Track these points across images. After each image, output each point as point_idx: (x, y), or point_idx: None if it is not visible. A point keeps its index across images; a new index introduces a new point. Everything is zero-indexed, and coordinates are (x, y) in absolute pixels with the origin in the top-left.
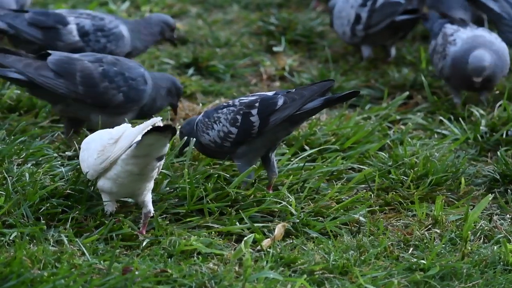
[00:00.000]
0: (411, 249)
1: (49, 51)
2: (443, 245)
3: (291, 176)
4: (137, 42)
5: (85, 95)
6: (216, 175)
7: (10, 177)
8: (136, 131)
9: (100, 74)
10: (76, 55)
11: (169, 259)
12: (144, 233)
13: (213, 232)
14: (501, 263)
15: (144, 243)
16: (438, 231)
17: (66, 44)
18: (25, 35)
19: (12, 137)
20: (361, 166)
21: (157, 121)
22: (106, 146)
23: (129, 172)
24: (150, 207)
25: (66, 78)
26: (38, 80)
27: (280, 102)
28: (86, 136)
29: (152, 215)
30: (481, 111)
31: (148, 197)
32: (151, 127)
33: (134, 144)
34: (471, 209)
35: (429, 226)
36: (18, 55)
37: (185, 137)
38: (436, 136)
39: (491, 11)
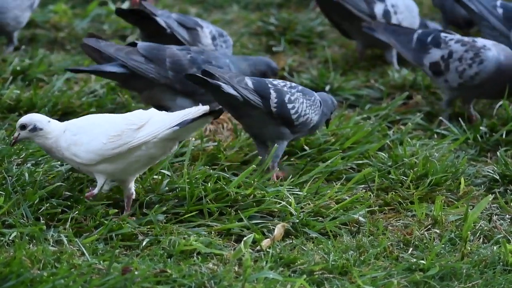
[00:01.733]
0: (411, 249)
1: (135, 41)
2: (443, 245)
3: (291, 176)
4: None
5: (174, 81)
6: (216, 175)
7: (10, 177)
8: (172, 117)
9: (188, 61)
10: (164, 45)
11: (169, 259)
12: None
13: (212, 232)
14: (501, 263)
15: (144, 243)
16: (438, 231)
17: (204, 46)
18: (176, 35)
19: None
20: (361, 167)
21: (203, 109)
22: (125, 131)
23: (150, 155)
24: (133, 189)
25: (156, 63)
26: (129, 63)
27: None
28: None
29: (134, 196)
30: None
31: (133, 180)
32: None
33: (174, 127)
34: (470, 209)
35: (429, 226)
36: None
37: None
38: (436, 136)
39: (473, 12)
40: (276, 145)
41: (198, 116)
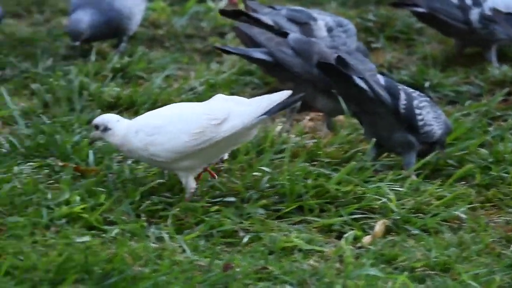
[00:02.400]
0: None
1: (287, 31)
2: None
3: (391, 172)
4: None
5: (317, 78)
6: (316, 171)
7: (111, 175)
8: (255, 106)
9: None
10: (313, 39)
11: (270, 255)
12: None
13: (313, 229)
14: None
15: (245, 240)
16: None
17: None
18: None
19: None
20: (461, 163)
21: (286, 94)
22: (208, 127)
23: (232, 144)
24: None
25: (303, 58)
26: (277, 54)
27: None
28: None
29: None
30: None
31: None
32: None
33: (262, 117)
34: None
35: None
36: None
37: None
38: None
39: None
40: (406, 153)
41: (283, 103)
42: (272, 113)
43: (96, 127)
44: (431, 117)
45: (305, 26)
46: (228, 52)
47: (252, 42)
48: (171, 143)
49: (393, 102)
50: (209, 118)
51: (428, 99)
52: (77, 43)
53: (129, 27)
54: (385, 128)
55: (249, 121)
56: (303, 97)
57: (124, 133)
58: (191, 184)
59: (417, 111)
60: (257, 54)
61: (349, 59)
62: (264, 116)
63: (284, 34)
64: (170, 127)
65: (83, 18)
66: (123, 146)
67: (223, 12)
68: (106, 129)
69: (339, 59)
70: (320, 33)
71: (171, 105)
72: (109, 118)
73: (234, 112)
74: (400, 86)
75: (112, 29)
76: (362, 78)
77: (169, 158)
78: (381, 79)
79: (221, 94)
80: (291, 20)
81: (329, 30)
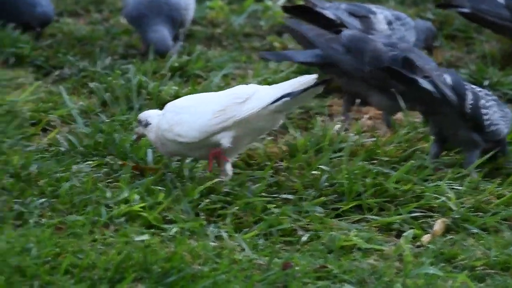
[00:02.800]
0: None
1: (341, 28)
2: None
3: (451, 171)
4: None
5: (369, 76)
6: (375, 170)
7: (170, 173)
8: (280, 89)
9: (390, 58)
10: (371, 36)
11: (329, 254)
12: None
13: (372, 228)
14: None
15: (304, 239)
16: None
17: (378, 33)
18: (347, 26)
19: None
20: None
21: (312, 78)
22: (230, 105)
23: (258, 128)
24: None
25: (355, 55)
26: (326, 51)
27: None
28: None
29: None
30: None
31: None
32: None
33: (285, 99)
34: None
35: None
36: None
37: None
38: None
39: None
40: (468, 152)
41: (308, 86)
42: (294, 95)
43: (139, 122)
44: (497, 116)
45: (365, 19)
46: (269, 59)
47: (303, 38)
48: (196, 122)
49: (459, 102)
50: (232, 97)
51: (495, 97)
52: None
53: (187, 19)
54: (450, 126)
55: (270, 101)
56: (357, 94)
57: (157, 121)
58: (228, 171)
59: (483, 111)
60: (301, 57)
61: (416, 58)
62: (287, 99)
63: (338, 31)
64: (196, 107)
65: (164, 33)
66: (157, 139)
67: (285, 9)
68: (147, 124)
69: (406, 60)
70: (380, 26)
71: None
72: (151, 113)
73: (257, 93)
74: (467, 85)
75: (176, 25)
76: (427, 79)
77: (192, 137)
78: (448, 77)
79: (254, 84)
80: (351, 14)
81: (388, 23)
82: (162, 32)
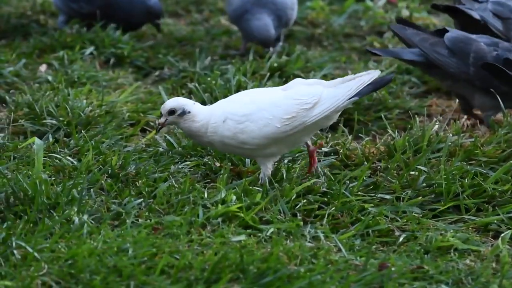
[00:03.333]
0: None
1: (447, 28)
2: None
3: None
4: None
5: (474, 77)
6: (473, 171)
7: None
8: (344, 89)
9: (493, 58)
10: (473, 36)
11: (426, 255)
12: None
13: (469, 228)
14: None
15: (400, 239)
16: None
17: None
18: (490, 27)
19: None
20: None
21: (376, 74)
22: (300, 112)
23: (317, 127)
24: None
25: (459, 57)
26: (431, 55)
27: None
28: None
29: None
30: None
31: None
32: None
33: (353, 98)
34: None
35: None
36: (416, 29)
37: None
38: None
39: None
40: None
41: (377, 85)
42: (362, 94)
43: (172, 112)
44: None
45: (507, 21)
46: (379, 55)
47: (408, 42)
48: (263, 130)
49: None
50: (300, 102)
51: None
52: (270, 49)
53: (292, 18)
54: None
55: (339, 104)
56: (461, 93)
57: (206, 120)
58: (269, 171)
59: None
60: (408, 55)
61: None
62: (355, 98)
63: (441, 33)
64: (260, 114)
65: (268, 21)
66: (199, 131)
67: (434, 6)
68: (184, 112)
69: (507, 61)
70: None
71: (247, 91)
72: (185, 102)
73: (324, 95)
74: None
75: (280, 25)
76: None
77: (259, 145)
78: None
79: (299, 78)
80: (496, 15)
81: None
82: (265, 21)
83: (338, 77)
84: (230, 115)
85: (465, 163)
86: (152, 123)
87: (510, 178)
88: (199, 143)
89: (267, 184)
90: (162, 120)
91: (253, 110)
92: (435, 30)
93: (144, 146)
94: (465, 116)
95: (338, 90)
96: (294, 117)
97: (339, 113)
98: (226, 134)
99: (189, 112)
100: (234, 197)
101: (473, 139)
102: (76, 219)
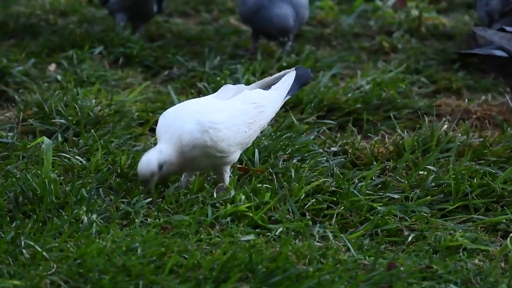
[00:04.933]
0: None
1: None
2: None
3: None
4: None
5: None
6: (482, 170)
7: (276, 173)
8: (279, 90)
9: None
10: None
11: (434, 255)
12: None
13: (478, 228)
14: None
15: (410, 239)
16: None
17: None
18: None
19: (278, 133)
20: None
21: (294, 74)
22: (257, 115)
23: (261, 129)
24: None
25: None
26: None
27: None
28: None
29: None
30: None
31: None
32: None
33: (286, 97)
34: None
35: None
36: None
37: None
38: None
39: None
40: None
41: (302, 82)
42: (292, 92)
43: (152, 175)
44: None
45: None
46: (471, 55)
47: (476, 44)
48: (237, 136)
49: None
50: (257, 106)
51: None
52: (286, 39)
53: (306, 17)
54: None
55: (280, 104)
56: None
57: (172, 150)
58: (228, 178)
59: None
60: (498, 52)
61: None
62: (288, 97)
63: None
64: (232, 121)
65: (288, 11)
66: (180, 164)
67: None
68: (160, 167)
69: None
70: None
71: (191, 101)
72: (154, 161)
73: (268, 99)
74: None
75: (298, 19)
76: None
77: (230, 152)
78: None
79: (228, 84)
80: None
81: None
82: (286, 10)
83: (347, 76)
84: (210, 124)
85: (474, 163)
86: None
87: None
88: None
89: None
90: (151, 185)
91: (226, 117)
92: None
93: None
94: (474, 116)
95: (276, 92)
96: (255, 121)
97: None
98: (209, 144)
99: (162, 165)
100: (243, 197)
101: (482, 139)
102: (85, 219)
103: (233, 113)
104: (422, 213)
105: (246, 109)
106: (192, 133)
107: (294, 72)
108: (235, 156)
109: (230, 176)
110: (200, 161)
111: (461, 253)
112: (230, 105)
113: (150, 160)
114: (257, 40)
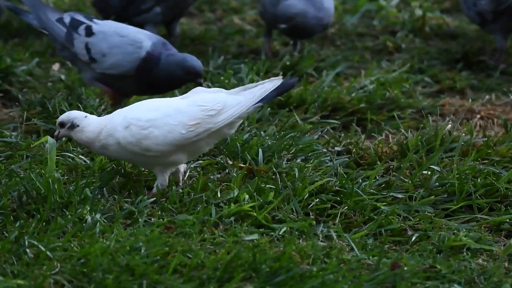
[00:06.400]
0: None
1: None
2: None
3: None
4: None
5: None
6: (486, 170)
7: (280, 173)
8: (248, 95)
9: None
10: None
11: (438, 254)
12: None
13: (482, 228)
14: None
15: (413, 239)
16: None
17: None
18: None
19: (282, 132)
20: None
21: (278, 81)
22: (205, 118)
23: (223, 135)
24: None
25: None
26: None
27: None
28: None
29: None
30: None
31: None
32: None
33: (257, 104)
34: None
35: None
36: None
37: None
38: None
39: None
40: None
41: (279, 91)
42: (266, 100)
43: (62, 124)
44: None
45: None
46: None
47: None
48: (168, 136)
49: None
50: (205, 109)
51: None
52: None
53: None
54: None
55: (244, 110)
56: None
57: (98, 130)
58: (165, 181)
59: None
60: None
61: None
62: (259, 104)
63: None
64: (165, 120)
65: (310, 8)
66: (94, 142)
67: None
68: (73, 126)
69: None
70: None
71: (148, 100)
72: (76, 115)
73: (229, 102)
74: None
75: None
76: None
77: (163, 152)
78: None
79: (200, 87)
80: None
81: None
82: (307, 4)
83: (351, 76)
84: (133, 121)
85: (477, 162)
86: None
87: None
88: (95, 152)
89: (161, 193)
90: (56, 132)
91: (158, 116)
92: None
93: None
94: (478, 116)
95: (242, 97)
96: (199, 124)
97: (241, 121)
98: (128, 140)
99: (78, 126)
100: (246, 196)
101: (485, 139)
102: (89, 218)
103: (169, 113)
104: (425, 213)
105: (189, 110)
106: (115, 126)
107: (280, 80)
108: (176, 158)
109: (166, 185)
110: (118, 153)
111: (464, 253)
112: (171, 105)
113: (75, 113)
114: (270, 39)
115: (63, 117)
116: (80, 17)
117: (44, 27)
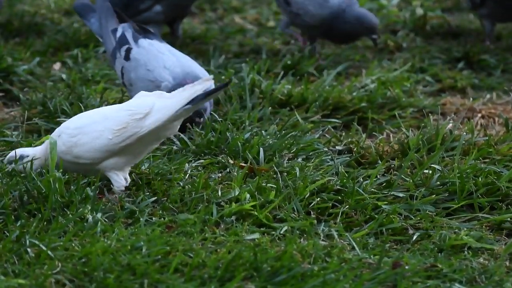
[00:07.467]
0: None
1: None
2: None
3: None
4: None
5: None
6: (487, 169)
7: (281, 172)
8: (178, 97)
9: None
10: None
11: (439, 253)
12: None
13: (483, 226)
14: None
15: (414, 238)
16: None
17: None
18: None
19: (283, 131)
20: None
21: (210, 83)
22: (130, 122)
23: (159, 137)
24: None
25: None
26: None
27: None
28: None
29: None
30: None
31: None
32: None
33: (187, 106)
34: None
35: None
36: None
37: None
38: None
39: None
40: None
41: (210, 91)
42: (196, 102)
43: (10, 163)
44: None
45: None
46: None
47: None
48: (95, 142)
49: None
50: (131, 113)
51: None
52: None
53: None
54: None
55: (172, 113)
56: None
57: (44, 148)
58: (121, 182)
59: None
60: None
61: None
62: (188, 106)
63: None
64: (92, 127)
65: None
66: (46, 161)
67: None
68: (22, 157)
69: None
70: None
71: (96, 109)
72: (19, 151)
73: (156, 105)
74: None
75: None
76: None
77: (93, 158)
78: None
79: (143, 91)
80: None
81: None
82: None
83: (352, 75)
84: (63, 129)
85: (479, 161)
86: None
87: None
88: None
89: (123, 196)
90: (16, 168)
91: (86, 123)
92: None
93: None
94: (479, 114)
95: (170, 100)
96: (125, 128)
97: (180, 123)
98: (62, 149)
99: (26, 156)
100: (248, 195)
101: (487, 138)
102: (90, 218)
103: (96, 119)
104: (427, 212)
105: (116, 115)
106: (52, 136)
107: (211, 83)
108: (111, 164)
109: (125, 185)
110: (65, 164)
111: (466, 252)
112: (99, 111)
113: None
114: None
115: (8, 157)
116: (128, 34)
117: (101, 34)
